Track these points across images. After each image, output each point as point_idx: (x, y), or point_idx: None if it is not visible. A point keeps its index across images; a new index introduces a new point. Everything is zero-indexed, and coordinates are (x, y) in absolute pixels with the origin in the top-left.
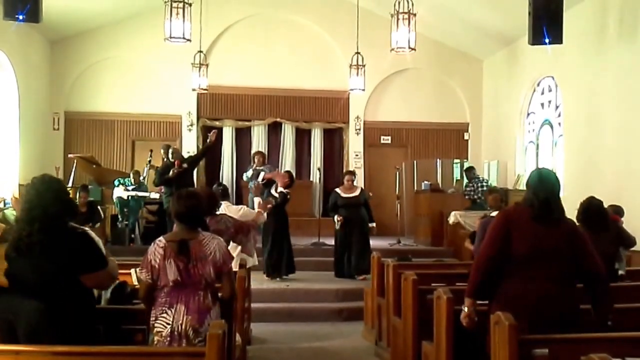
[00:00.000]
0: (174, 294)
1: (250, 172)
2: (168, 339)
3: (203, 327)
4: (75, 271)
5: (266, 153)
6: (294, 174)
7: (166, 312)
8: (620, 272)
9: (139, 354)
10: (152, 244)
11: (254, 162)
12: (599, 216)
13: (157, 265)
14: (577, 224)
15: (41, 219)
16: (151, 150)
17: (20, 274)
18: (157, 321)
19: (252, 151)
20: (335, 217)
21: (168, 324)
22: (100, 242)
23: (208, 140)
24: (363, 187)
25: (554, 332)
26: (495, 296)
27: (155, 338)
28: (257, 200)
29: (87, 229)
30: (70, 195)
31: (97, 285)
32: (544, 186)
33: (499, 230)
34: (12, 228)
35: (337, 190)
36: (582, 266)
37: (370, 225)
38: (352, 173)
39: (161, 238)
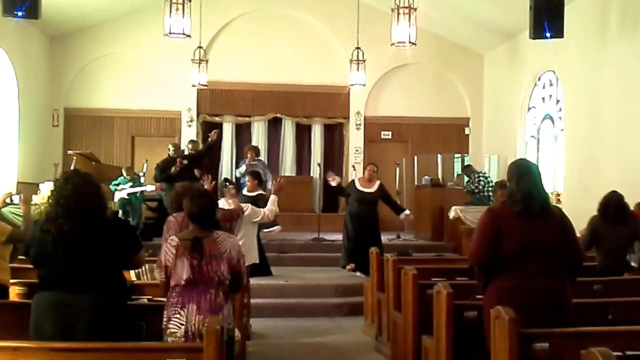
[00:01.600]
0: (185, 294)
1: (243, 168)
2: (183, 339)
3: None
4: (126, 256)
5: (266, 148)
6: (260, 172)
7: (179, 313)
8: (633, 264)
9: (137, 349)
10: (164, 242)
11: (246, 157)
12: (618, 209)
13: (169, 264)
14: (596, 214)
15: (82, 213)
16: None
17: (66, 270)
18: (171, 322)
19: (255, 145)
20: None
21: (182, 324)
22: None
23: (209, 140)
24: (381, 182)
25: (546, 327)
26: (489, 291)
27: (170, 339)
28: (273, 198)
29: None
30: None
31: (138, 266)
32: (524, 177)
33: (487, 233)
34: (39, 226)
35: (356, 181)
36: (566, 252)
37: (404, 214)
38: (374, 165)
39: (174, 237)
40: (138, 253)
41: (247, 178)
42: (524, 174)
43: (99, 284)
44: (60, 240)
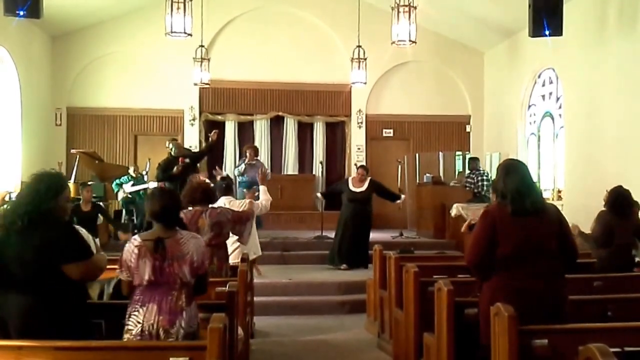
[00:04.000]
0: (147, 293)
1: (242, 167)
2: (138, 337)
3: (174, 328)
4: (58, 261)
5: (268, 147)
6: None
7: (138, 311)
8: (638, 259)
9: (140, 348)
10: (128, 242)
11: (245, 156)
12: (627, 204)
13: (132, 265)
14: (605, 209)
15: (28, 213)
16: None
17: (6, 268)
18: (129, 319)
19: (254, 144)
20: (319, 194)
21: (139, 322)
22: (89, 237)
23: (210, 140)
24: (372, 178)
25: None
26: (485, 290)
27: (126, 336)
28: (263, 188)
29: (129, 235)
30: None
31: (82, 277)
32: (512, 176)
33: (483, 235)
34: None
35: (349, 180)
36: (563, 251)
37: (399, 200)
38: (365, 168)
39: (136, 237)
40: (77, 262)
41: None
42: (510, 173)
43: (32, 286)
44: (6, 235)
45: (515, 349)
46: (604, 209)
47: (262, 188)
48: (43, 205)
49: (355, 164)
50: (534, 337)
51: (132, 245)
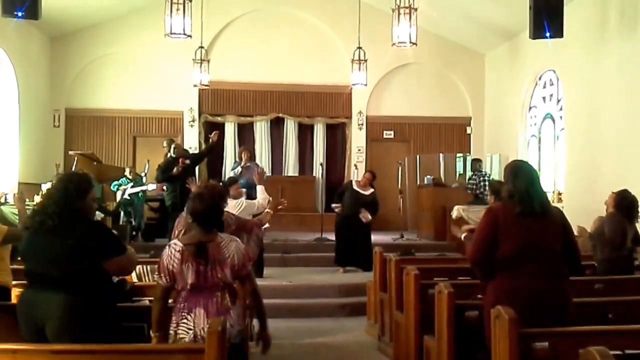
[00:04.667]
0: (192, 299)
1: (238, 169)
2: (193, 344)
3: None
4: (98, 258)
5: (269, 148)
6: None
7: (186, 318)
8: (637, 262)
9: (138, 351)
10: (167, 247)
11: (240, 158)
12: (632, 209)
13: (174, 270)
14: (613, 210)
15: (61, 212)
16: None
17: (39, 268)
18: (179, 328)
19: (254, 147)
20: (333, 205)
21: (190, 329)
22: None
23: (210, 141)
24: (375, 191)
25: (547, 327)
26: (489, 291)
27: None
28: (260, 188)
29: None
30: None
31: (120, 271)
32: (521, 177)
33: (486, 233)
34: (26, 223)
35: (353, 182)
36: (567, 253)
37: (364, 214)
38: (372, 174)
39: (177, 241)
40: (116, 257)
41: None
42: (518, 174)
43: (69, 283)
44: (35, 235)
45: (516, 352)
46: (611, 210)
47: (260, 187)
48: (73, 204)
49: (355, 166)
50: (534, 340)
51: (174, 249)
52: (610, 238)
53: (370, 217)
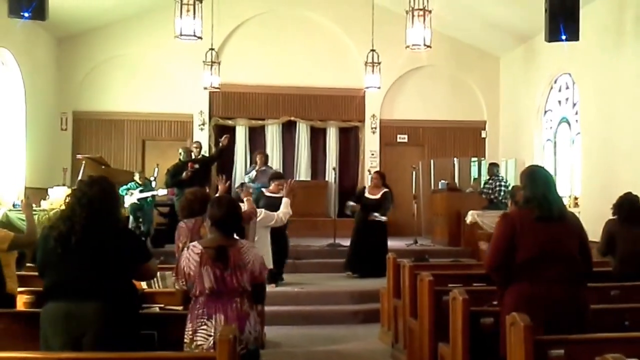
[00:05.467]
0: (210, 304)
1: (253, 173)
2: (212, 350)
3: (244, 334)
4: (131, 264)
5: (281, 153)
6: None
7: (206, 324)
8: None
9: (151, 359)
10: (185, 249)
11: (255, 162)
12: (632, 210)
13: (192, 273)
14: (613, 216)
15: (98, 217)
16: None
17: (71, 277)
18: (197, 334)
19: (266, 150)
20: (349, 203)
21: (210, 335)
22: None
23: (220, 144)
24: (388, 191)
25: (564, 333)
26: (506, 297)
27: (196, 352)
28: (286, 201)
29: None
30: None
31: (149, 276)
32: (538, 182)
33: (503, 239)
34: (52, 228)
35: (365, 188)
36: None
37: (375, 215)
38: (379, 174)
39: (196, 244)
40: (147, 263)
41: (272, 183)
42: (536, 179)
43: (105, 292)
44: (65, 238)
45: None
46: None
47: (286, 201)
48: (105, 210)
49: (369, 170)
50: (550, 347)
51: (192, 252)
52: (598, 245)
53: (378, 215)
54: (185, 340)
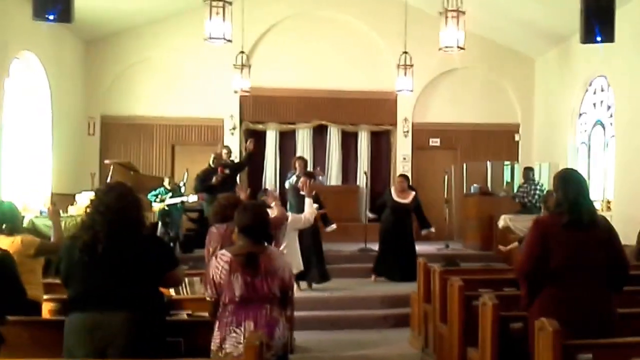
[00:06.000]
0: (240, 312)
1: (293, 179)
2: (242, 358)
3: (274, 340)
4: (159, 272)
5: (311, 157)
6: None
7: (235, 332)
8: None
9: None
10: (213, 258)
11: (294, 168)
12: None
13: (222, 281)
14: None
15: (119, 225)
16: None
17: (98, 286)
18: (226, 342)
19: (296, 155)
20: (369, 214)
21: (239, 343)
22: None
23: (247, 150)
24: (416, 194)
25: (592, 338)
26: (535, 303)
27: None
28: (308, 201)
29: None
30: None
31: (176, 283)
32: (571, 186)
33: (535, 245)
34: (75, 238)
35: (392, 190)
36: (612, 263)
37: (427, 230)
38: (405, 177)
39: (224, 252)
40: (174, 270)
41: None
42: (569, 183)
43: (132, 301)
44: (90, 248)
45: None
46: None
47: (308, 201)
48: (130, 217)
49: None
50: (578, 351)
51: (221, 260)
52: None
53: (431, 230)
54: (212, 348)
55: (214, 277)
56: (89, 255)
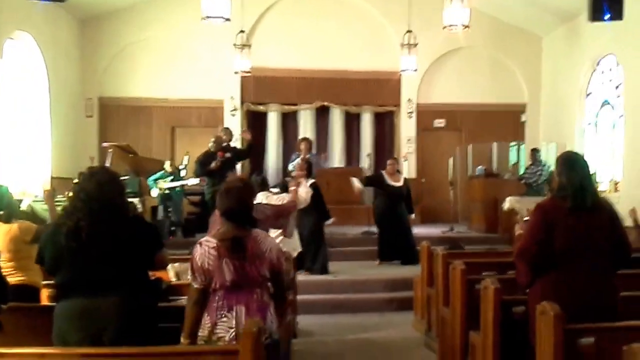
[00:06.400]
0: (231, 297)
1: (298, 161)
2: (234, 342)
3: (266, 324)
4: (147, 253)
5: (314, 139)
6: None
7: (226, 316)
8: None
9: (171, 353)
10: (197, 245)
11: (299, 150)
12: None
13: (211, 268)
14: None
15: (102, 210)
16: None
17: (88, 271)
18: (217, 327)
19: (299, 137)
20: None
21: (231, 327)
22: None
23: (244, 140)
24: (405, 177)
25: (594, 322)
26: (536, 287)
27: (219, 344)
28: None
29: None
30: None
31: (163, 265)
32: (576, 170)
33: (538, 230)
34: (59, 224)
35: (384, 173)
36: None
37: (409, 216)
38: (395, 160)
39: (209, 238)
40: (160, 252)
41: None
42: (574, 167)
43: (123, 286)
44: (75, 234)
45: (561, 348)
46: None
47: (303, 182)
48: (115, 200)
49: (405, 157)
50: (580, 335)
51: (207, 247)
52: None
53: (412, 216)
54: (201, 334)
55: (202, 264)
56: (76, 240)
